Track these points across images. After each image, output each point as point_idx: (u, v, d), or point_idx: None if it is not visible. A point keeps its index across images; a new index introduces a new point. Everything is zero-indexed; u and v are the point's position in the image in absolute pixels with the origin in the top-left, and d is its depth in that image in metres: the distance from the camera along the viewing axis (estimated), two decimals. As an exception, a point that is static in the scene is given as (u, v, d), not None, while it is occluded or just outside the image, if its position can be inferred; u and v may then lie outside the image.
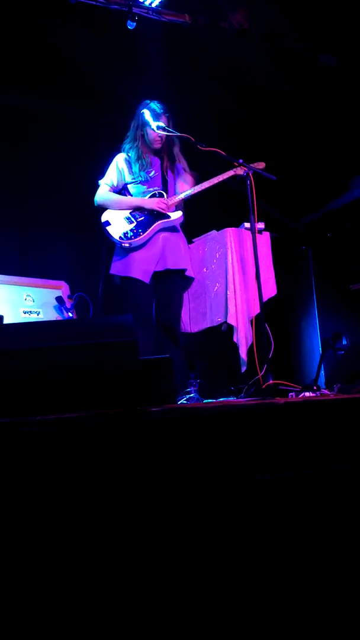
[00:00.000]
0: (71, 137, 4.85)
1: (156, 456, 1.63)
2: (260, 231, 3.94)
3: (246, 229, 3.91)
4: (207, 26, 4.46)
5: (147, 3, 4.22)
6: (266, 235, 4.07)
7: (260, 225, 3.94)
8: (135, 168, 3.57)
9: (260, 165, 3.61)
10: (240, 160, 3.55)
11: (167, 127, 3.54)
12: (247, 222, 3.68)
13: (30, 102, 4.89)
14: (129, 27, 4.17)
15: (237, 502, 1.68)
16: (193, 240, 4.31)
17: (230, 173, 3.61)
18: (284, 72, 5.00)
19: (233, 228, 3.99)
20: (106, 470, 1.58)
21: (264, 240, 4.05)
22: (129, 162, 3.60)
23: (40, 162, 4.90)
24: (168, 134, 3.52)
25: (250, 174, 3.53)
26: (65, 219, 4.78)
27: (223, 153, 3.50)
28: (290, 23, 4.60)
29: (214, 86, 5.04)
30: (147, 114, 3.53)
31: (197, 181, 3.64)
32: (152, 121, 3.51)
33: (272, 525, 1.67)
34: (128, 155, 3.62)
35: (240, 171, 3.61)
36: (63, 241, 4.97)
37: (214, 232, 4.12)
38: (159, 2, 4.24)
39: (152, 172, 3.60)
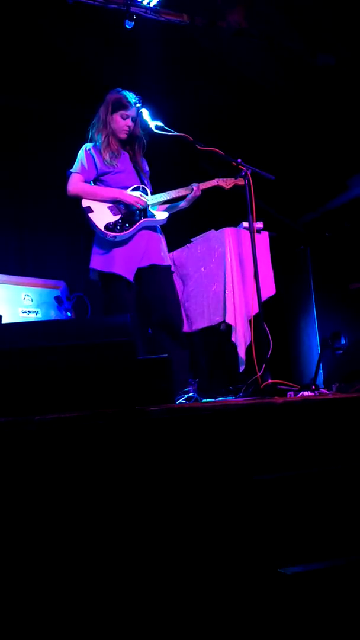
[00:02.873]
0: (69, 136, 4.84)
1: (155, 455, 1.63)
2: (258, 231, 3.94)
3: (245, 228, 3.90)
4: (205, 26, 4.46)
5: (145, 3, 4.21)
6: (265, 234, 4.07)
7: (259, 224, 3.93)
8: (106, 156, 3.41)
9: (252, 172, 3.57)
10: (239, 160, 3.53)
11: (136, 118, 3.42)
12: (246, 221, 3.67)
13: (28, 102, 4.90)
14: (127, 27, 4.17)
15: (235, 501, 1.68)
16: (191, 239, 4.30)
17: (213, 183, 3.56)
18: (282, 72, 5.01)
19: (231, 227, 3.98)
20: (105, 470, 1.58)
21: (263, 240, 4.04)
22: (98, 150, 3.44)
23: (39, 162, 4.90)
24: (166, 133, 3.48)
25: (249, 174, 3.52)
26: (63, 219, 4.78)
27: (221, 152, 3.48)
28: (288, 23, 4.60)
29: (212, 85, 5.05)
30: (144, 113, 3.49)
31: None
32: (150, 121, 3.48)
33: (270, 525, 1.68)
34: (96, 143, 3.47)
35: (222, 183, 3.56)
36: (62, 241, 4.97)
37: (212, 231, 4.12)
38: (157, 2, 4.23)
39: (124, 163, 3.48)
